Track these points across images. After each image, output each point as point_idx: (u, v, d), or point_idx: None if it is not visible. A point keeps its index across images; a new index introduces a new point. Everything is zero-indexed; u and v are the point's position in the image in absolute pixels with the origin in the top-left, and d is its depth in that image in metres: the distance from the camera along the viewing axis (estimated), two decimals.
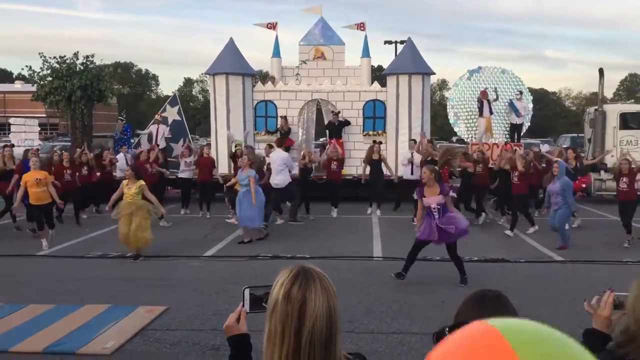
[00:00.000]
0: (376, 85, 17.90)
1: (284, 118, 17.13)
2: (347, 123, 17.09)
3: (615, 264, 9.12)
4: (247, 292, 1.91)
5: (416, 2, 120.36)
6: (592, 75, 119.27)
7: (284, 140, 14.68)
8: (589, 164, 15.98)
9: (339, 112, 17.08)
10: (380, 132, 17.28)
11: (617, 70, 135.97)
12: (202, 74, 71.92)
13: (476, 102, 17.78)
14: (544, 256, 9.86)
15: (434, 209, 7.89)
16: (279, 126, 17.09)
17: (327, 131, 17.80)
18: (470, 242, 11.03)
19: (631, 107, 17.90)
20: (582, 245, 10.55)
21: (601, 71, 17.24)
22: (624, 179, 10.68)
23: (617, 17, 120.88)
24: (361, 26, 18.51)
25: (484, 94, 17.61)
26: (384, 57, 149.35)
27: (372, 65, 19.48)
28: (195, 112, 68.52)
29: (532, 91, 22.77)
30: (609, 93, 74.76)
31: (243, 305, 1.91)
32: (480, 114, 17.63)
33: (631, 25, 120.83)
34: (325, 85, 17.69)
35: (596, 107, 17.23)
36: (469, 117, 18.57)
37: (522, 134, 18.18)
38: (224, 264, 9.25)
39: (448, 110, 18.96)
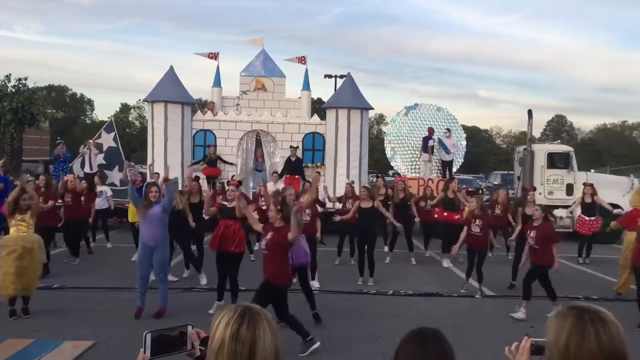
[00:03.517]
0: (316, 118, 18.14)
1: (214, 147, 17.07)
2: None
3: (540, 299, 9.45)
4: (148, 337, 1.85)
5: (356, 38, 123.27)
6: (521, 115, 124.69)
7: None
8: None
9: (297, 147, 17.10)
10: (319, 164, 17.43)
11: (545, 111, 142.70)
12: (140, 100, 70.73)
13: (422, 139, 18.40)
14: (476, 290, 10.09)
15: None
16: (207, 154, 16.99)
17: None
18: (406, 275, 11.24)
19: (557, 148, 18.82)
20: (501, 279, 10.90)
21: (530, 112, 18.09)
22: (531, 233, 8.40)
23: (544, 61, 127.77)
24: (302, 59, 18.78)
25: (430, 130, 18.29)
26: (324, 90, 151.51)
27: (312, 98, 19.75)
28: (131, 138, 67.10)
29: (466, 128, 23.58)
30: (537, 133, 78.45)
31: (145, 352, 1.84)
32: (425, 151, 18.24)
33: (558, 70, 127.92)
34: (265, 117, 17.77)
35: (525, 147, 18.01)
36: (405, 152, 19.05)
37: (453, 170, 18.76)
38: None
39: (385, 145, 19.40)
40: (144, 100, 18.27)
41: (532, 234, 8.36)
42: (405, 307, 8.79)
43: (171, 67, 17.44)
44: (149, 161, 15.68)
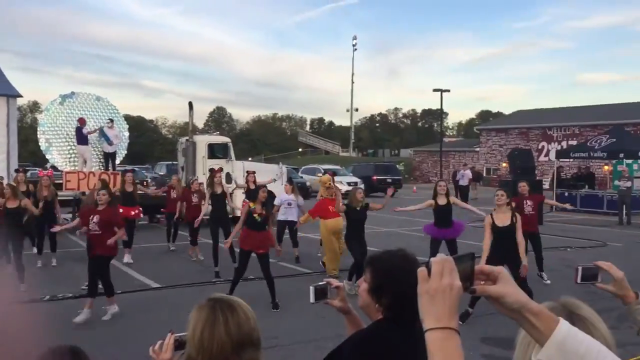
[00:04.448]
0: None
1: None
2: None
3: (204, 285, 9.85)
4: None
5: (2, 15, 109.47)
6: (185, 105, 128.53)
7: None
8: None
9: None
10: None
11: (207, 103, 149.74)
12: None
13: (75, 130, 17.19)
14: (141, 284, 9.97)
15: None
16: None
17: None
18: (67, 277, 10.44)
19: (217, 139, 19.78)
20: (177, 270, 11.10)
21: (191, 104, 18.58)
22: (94, 218, 7.91)
23: (206, 54, 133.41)
24: None
25: (82, 121, 17.17)
26: None
27: None
28: None
29: (130, 119, 23.11)
30: (200, 124, 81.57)
31: None
32: (79, 142, 17.10)
33: (218, 63, 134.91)
34: None
35: (187, 138, 18.47)
36: (62, 143, 17.67)
37: (116, 161, 18.21)
38: None
39: (39, 136, 17.69)
40: None
41: (95, 218, 7.80)
42: (60, 312, 8.15)
43: None
44: None
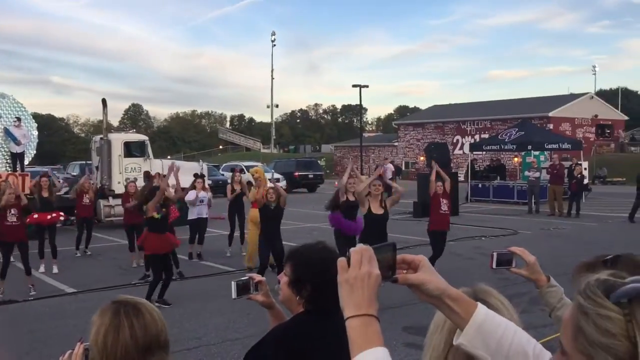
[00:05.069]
0: None
1: None
2: None
3: (123, 288, 9.53)
4: None
5: None
6: (98, 103, 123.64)
7: None
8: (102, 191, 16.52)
9: None
10: None
11: (122, 100, 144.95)
12: None
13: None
14: (55, 290, 9.52)
15: None
16: None
17: None
18: None
19: (133, 137, 19.17)
20: (94, 274, 10.69)
21: (104, 101, 17.91)
22: None
23: (119, 50, 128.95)
24: None
25: None
26: None
27: None
28: None
29: (39, 117, 21.96)
30: (115, 121, 78.87)
31: None
32: None
33: (132, 59, 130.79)
34: None
35: (102, 136, 17.80)
36: None
37: (25, 162, 17.28)
38: None
39: None
40: None
41: None
42: None
43: None
44: None
